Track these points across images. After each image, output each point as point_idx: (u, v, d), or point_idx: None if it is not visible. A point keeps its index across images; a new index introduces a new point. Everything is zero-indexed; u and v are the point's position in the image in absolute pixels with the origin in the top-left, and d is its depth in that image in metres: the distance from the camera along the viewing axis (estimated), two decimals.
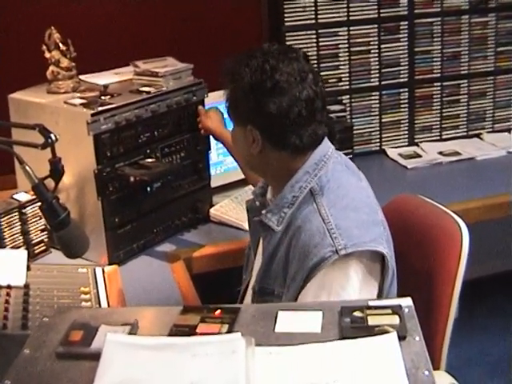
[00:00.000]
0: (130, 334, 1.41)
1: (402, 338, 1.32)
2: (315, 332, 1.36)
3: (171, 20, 3.28)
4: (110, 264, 2.46)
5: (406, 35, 3.50)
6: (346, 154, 3.16)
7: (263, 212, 2.05)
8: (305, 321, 1.40)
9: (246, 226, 2.81)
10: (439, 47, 3.58)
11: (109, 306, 2.06)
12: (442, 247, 2.22)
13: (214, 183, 2.96)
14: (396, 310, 1.39)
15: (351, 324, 1.36)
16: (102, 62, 2.89)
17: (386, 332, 1.33)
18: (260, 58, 1.94)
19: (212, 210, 2.91)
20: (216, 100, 3.02)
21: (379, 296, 1.96)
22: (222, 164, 3.12)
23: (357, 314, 1.38)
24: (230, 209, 2.93)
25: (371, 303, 1.41)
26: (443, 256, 2.21)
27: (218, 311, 1.45)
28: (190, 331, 1.40)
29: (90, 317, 1.50)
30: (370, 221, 1.95)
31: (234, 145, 2.18)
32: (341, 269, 1.88)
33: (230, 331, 1.38)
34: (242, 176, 3.08)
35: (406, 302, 1.41)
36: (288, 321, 1.41)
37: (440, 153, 3.53)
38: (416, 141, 3.64)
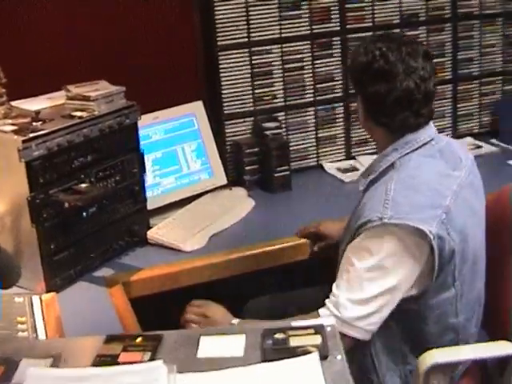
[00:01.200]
0: (52, 366, 1.40)
1: (323, 357, 1.33)
2: (238, 356, 1.37)
3: (103, 43, 3.26)
4: (47, 292, 2.43)
5: (339, 50, 3.51)
6: (282, 171, 3.24)
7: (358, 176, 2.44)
8: (227, 345, 1.40)
9: (185, 248, 2.82)
10: None
11: (46, 335, 2.03)
12: None
13: (151, 205, 2.94)
14: (318, 330, 1.39)
15: (273, 346, 1.37)
16: (34, 88, 2.86)
17: (308, 352, 1.33)
18: (378, 44, 2.22)
19: (149, 233, 2.90)
20: (149, 122, 3.03)
21: (430, 273, 2.15)
22: (159, 186, 3.11)
23: (278, 335, 1.39)
24: (168, 230, 2.92)
25: (294, 324, 1.42)
26: None
27: (139, 339, 1.45)
28: (113, 360, 1.39)
29: (13, 350, 1.49)
30: (428, 203, 2.14)
31: None
32: (378, 235, 2.11)
33: (152, 359, 1.38)
34: (180, 197, 3.09)
35: (329, 321, 1.42)
36: (211, 345, 1.41)
37: None
38: (353, 154, 3.65)
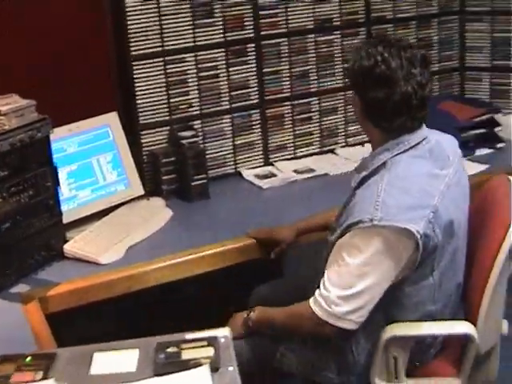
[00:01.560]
0: None
1: (214, 369, 1.33)
2: (130, 371, 1.36)
3: (14, 56, 3.21)
4: None
5: (253, 57, 3.52)
6: (199, 180, 3.24)
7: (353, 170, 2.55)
8: (121, 360, 1.39)
9: (102, 260, 2.80)
10: (287, 67, 3.62)
11: None
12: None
13: (67, 218, 2.92)
14: (211, 342, 1.40)
15: (165, 360, 1.37)
16: None
17: (200, 365, 1.34)
18: (379, 48, 2.30)
19: (66, 246, 2.87)
20: (63, 135, 3.00)
21: (412, 265, 2.30)
22: (75, 199, 3.08)
23: (171, 349, 1.39)
24: (85, 243, 2.89)
25: (187, 336, 1.42)
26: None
27: (30, 358, 1.44)
28: (5, 381, 1.38)
29: None
30: (416, 204, 2.26)
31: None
32: (370, 234, 2.23)
33: (44, 378, 1.37)
34: (96, 209, 3.07)
35: (223, 332, 1.43)
36: (104, 362, 1.40)
37: (295, 171, 3.56)
38: (271, 160, 3.66)
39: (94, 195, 3.13)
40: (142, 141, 3.36)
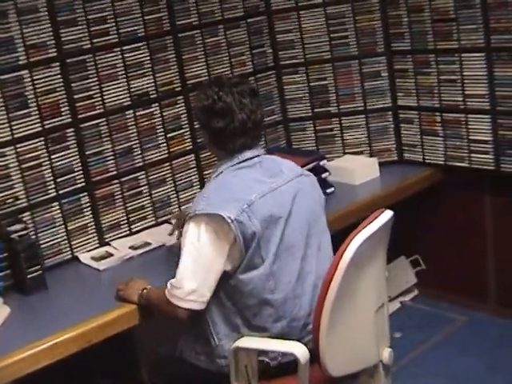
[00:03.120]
0: None
1: None
2: None
3: None
4: None
5: (74, 141, 3.54)
6: (34, 272, 3.21)
7: None
8: None
9: None
10: (110, 146, 3.66)
11: None
12: None
13: None
14: None
15: None
16: None
17: None
18: (214, 88, 2.80)
19: None
20: None
21: (239, 253, 2.69)
22: None
23: None
24: None
25: None
26: None
27: None
28: None
29: None
30: (233, 198, 2.70)
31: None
32: (197, 222, 2.70)
33: None
34: None
35: None
36: None
37: (131, 247, 3.59)
38: (107, 240, 3.68)
39: None
40: None
